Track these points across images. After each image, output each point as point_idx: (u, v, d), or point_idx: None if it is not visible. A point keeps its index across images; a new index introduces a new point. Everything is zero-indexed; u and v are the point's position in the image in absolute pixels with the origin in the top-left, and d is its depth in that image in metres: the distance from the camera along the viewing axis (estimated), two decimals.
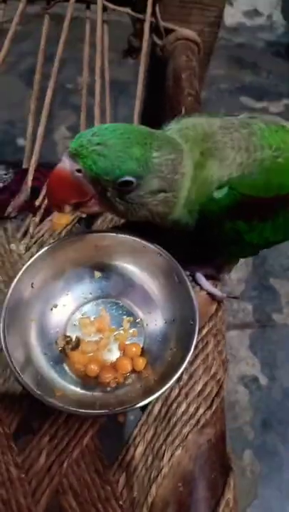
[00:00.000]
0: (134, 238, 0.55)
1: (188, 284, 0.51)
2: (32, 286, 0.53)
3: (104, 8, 0.93)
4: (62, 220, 0.49)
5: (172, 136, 0.47)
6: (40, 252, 0.53)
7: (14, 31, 0.83)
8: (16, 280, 0.51)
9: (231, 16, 2.49)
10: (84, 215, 0.48)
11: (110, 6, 0.93)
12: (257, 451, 1.27)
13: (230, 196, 0.45)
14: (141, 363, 0.52)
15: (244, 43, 2.52)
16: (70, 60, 1.98)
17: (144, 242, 0.54)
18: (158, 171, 0.43)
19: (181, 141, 0.47)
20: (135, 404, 0.44)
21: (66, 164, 0.42)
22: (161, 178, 0.44)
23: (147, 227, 0.55)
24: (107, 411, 0.45)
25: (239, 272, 1.63)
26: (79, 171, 0.42)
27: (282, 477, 1.24)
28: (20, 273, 0.51)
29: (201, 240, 0.52)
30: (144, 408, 0.49)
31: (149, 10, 0.92)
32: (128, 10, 0.95)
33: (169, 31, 1.01)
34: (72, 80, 2.02)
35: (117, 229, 0.57)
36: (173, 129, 0.50)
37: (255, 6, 2.52)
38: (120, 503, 0.45)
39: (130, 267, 0.57)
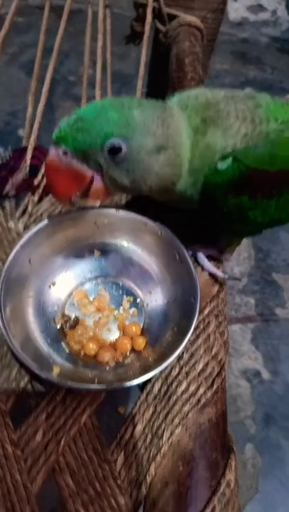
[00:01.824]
0: (135, 215, 0.54)
1: (190, 261, 0.50)
2: (30, 262, 0.52)
3: None
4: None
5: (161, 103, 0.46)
6: (37, 227, 0.51)
7: (11, 20, 0.81)
8: (12, 255, 0.50)
9: (235, 10, 2.48)
10: (98, 205, 0.46)
11: None
12: (259, 445, 1.26)
13: (234, 168, 0.43)
14: (141, 342, 0.51)
15: (248, 38, 2.50)
16: (73, 53, 1.98)
17: (145, 220, 0.53)
18: (145, 128, 0.42)
19: (179, 109, 0.45)
20: (134, 380, 0.43)
21: (52, 153, 0.41)
22: (152, 135, 0.42)
23: (150, 205, 0.54)
24: (105, 386, 0.44)
25: (242, 266, 1.62)
26: (65, 154, 0.41)
27: (284, 471, 1.22)
28: (16, 247, 0.50)
29: (204, 217, 0.51)
30: (143, 388, 0.48)
31: None
32: None
33: (172, 17, 1.00)
34: (75, 72, 2.01)
35: (117, 205, 0.56)
36: (173, 100, 0.49)
37: (259, 1, 2.51)
38: (118, 482, 0.43)
39: (131, 246, 0.56)
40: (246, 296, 1.56)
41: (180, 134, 0.44)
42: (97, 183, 0.44)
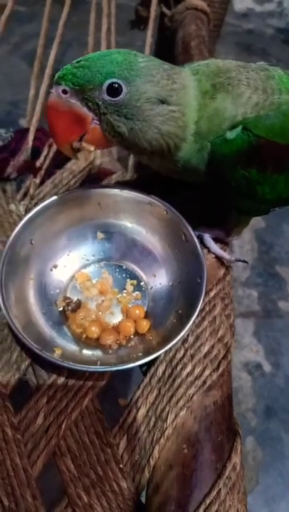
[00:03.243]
0: (139, 195, 0.52)
1: (196, 241, 0.49)
2: (31, 243, 0.51)
3: None
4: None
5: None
6: (40, 206, 0.50)
7: (11, 9, 0.79)
8: (13, 234, 0.48)
9: (241, 1, 2.45)
10: (92, 148, 0.44)
11: None
12: (259, 438, 1.25)
13: (243, 137, 0.42)
14: (144, 325, 0.50)
15: (253, 29, 2.48)
16: (76, 43, 1.96)
17: (150, 199, 0.52)
18: (148, 75, 0.40)
19: (189, 72, 0.44)
20: (137, 361, 0.42)
21: (53, 93, 0.41)
22: (155, 84, 0.41)
23: (155, 184, 0.53)
24: (108, 367, 0.43)
25: (245, 258, 1.60)
26: (65, 92, 0.40)
27: (284, 464, 1.21)
28: (18, 227, 0.49)
29: (211, 192, 0.49)
30: (146, 371, 0.47)
31: None
32: None
33: (178, 1, 0.98)
34: None
35: (122, 185, 0.54)
36: (184, 68, 0.47)
37: None
38: (121, 466, 0.42)
39: (135, 227, 0.54)
40: (249, 288, 1.55)
41: (187, 92, 0.43)
42: (96, 127, 0.43)
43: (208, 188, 0.48)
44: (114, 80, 0.39)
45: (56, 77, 0.40)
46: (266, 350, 1.42)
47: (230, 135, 0.42)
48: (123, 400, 0.75)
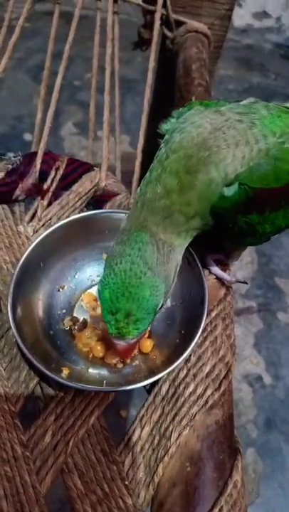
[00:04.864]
0: None
1: (199, 265, 0.51)
2: (40, 265, 0.53)
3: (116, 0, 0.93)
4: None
5: (138, 220, 0.45)
6: (49, 230, 0.52)
7: (21, 28, 0.82)
8: (24, 257, 0.50)
9: (240, 17, 2.50)
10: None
11: None
12: (260, 450, 1.26)
13: (240, 192, 0.43)
14: (148, 344, 0.52)
15: (252, 44, 2.53)
16: (78, 58, 2.00)
17: None
18: (165, 276, 0.44)
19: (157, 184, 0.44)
20: (142, 382, 0.44)
21: (123, 344, 0.44)
22: (170, 271, 0.45)
23: None
24: (114, 388, 0.45)
25: (244, 271, 1.63)
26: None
27: (284, 476, 1.22)
28: (28, 250, 0.51)
29: (214, 232, 0.52)
30: (150, 390, 0.49)
31: (160, 1, 0.92)
32: (139, 1, 0.95)
33: (179, 24, 1.02)
34: (80, 77, 2.03)
35: (127, 209, 0.56)
36: (152, 168, 0.46)
37: (264, 7, 2.53)
38: (126, 483, 0.44)
39: None
40: (249, 300, 1.57)
41: (175, 234, 0.45)
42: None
43: (210, 229, 0.50)
44: (160, 302, 0.43)
45: (116, 333, 0.43)
46: (266, 362, 1.44)
47: (228, 192, 0.43)
48: (124, 411, 0.77)
